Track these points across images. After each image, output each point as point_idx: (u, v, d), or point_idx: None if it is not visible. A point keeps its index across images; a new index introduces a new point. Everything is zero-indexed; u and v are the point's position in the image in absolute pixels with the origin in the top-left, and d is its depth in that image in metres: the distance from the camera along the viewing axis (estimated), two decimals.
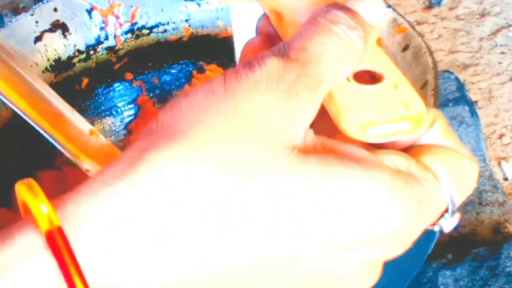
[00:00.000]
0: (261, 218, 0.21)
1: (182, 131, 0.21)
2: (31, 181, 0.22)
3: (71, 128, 0.54)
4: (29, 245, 0.21)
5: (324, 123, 0.24)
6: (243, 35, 0.31)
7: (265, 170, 0.21)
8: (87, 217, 0.21)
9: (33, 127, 0.52)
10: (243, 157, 0.21)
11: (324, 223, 0.22)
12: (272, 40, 0.28)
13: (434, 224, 0.25)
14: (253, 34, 0.29)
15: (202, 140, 0.21)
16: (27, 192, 0.22)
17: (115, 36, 0.62)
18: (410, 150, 0.25)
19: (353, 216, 0.22)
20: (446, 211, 0.25)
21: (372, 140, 0.23)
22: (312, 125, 0.24)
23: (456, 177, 0.24)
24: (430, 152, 0.25)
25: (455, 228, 0.25)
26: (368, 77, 0.25)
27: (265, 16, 0.28)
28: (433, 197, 0.24)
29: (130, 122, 0.66)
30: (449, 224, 0.25)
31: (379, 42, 0.56)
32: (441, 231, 0.25)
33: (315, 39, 0.23)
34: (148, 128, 0.22)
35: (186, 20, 0.64)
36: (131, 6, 0.61)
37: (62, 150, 0.53)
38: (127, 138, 0.66)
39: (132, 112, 0.67)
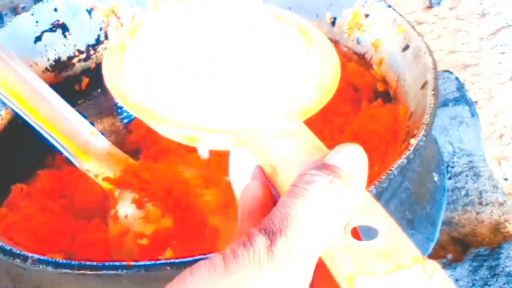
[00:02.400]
0: None
1: None
2: None
3: (71, 128, 0.54)
4: None
5: (327, 276, 0.25)
6: (239, 176, 0.34)
7: None
8: None
9: (33, 127, 0.52)
10: None
11: None
12: (267, 184, 0.29)
13: None
14: (248, 173, 0.31)
15: None
16: None
17: None
18: None
19: None
20: None
21: None
22: (315, 278, 0.25)
23: None
24: None
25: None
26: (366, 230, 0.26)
27: (258, 166, 0.29)
28: None
29: (130, 122, 0.66)
30: None
31: (378, 43, 0.56)
32: None
33: (294, 204, 0.24)
34: None
35: None
36: (132, 6, 0.61)
37: (62, 150, 0.53)
38: (127, 138, 0.66)
39: None
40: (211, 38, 0.35)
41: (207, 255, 0.26)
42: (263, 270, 0.23)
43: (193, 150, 0.63)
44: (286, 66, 0.34)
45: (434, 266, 0.26)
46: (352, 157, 0.26)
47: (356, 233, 0.25)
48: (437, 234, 0.52)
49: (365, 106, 0.57)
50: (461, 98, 0.71)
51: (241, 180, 0.33)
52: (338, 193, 0.25)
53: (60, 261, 0.39)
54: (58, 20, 0.60)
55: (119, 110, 0.66)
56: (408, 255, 0.24)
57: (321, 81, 0.34)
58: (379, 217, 0.26)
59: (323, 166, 0.25)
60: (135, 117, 0.66)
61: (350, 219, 0.25)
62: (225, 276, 0.23)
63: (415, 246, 0.25)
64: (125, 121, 0.66)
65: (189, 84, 0.33)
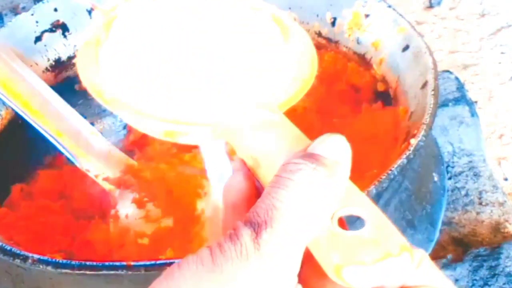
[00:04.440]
0: None
1: None
2: None
3: (71, 128, 0.54)
4: None
5: (315, 266, 0.25)
6: (215, 167, 0.33)
7: None
8: None
9: (33, 127, 0.52)
10: None
11: None
12: (250, 176, 0.29)
13: None
14: (224, 165, 0.30)
15: None
16: None
17: None
18: None
19: None
20: None
21: (356, 285, 0.24)
22: (303, 268, 0.25)
23: None
24: None
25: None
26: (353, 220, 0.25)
27: (240, 158, 0.29)
28: None
29: None
30: None
31: (378, 43, 0.56)
32: None
33: (278, 194, 0.24)
34: None
35: None
36: None
37: (62, 150, 0.53)
38: (127, 138, 0.66)
39: None
40: (188, 31, 0.35)
41: None
42: (250, 263, 0.23)
43: (188, 150, 0.63)
44: (263, 58, 0.34)
45: (422, 254, 0.26)
46: (335, 147, 0.25)
47: (342, 224, 0.25)
48: (437, 234, 0.52)
49: (365, 109, 0.57)
50: (461, 98, 0.71)
51: (217, 172, 0.33)
52: (323, 181, 0.24)
53: (60, 261, 0.39)
54: (58, 20, 0.60)
55: None
56: (396, 243, 0.24)
57: (298, 73, 0.34)
58: (365, 206, 0.25)
59: (306, 155, 0.25)
60: None
61: (336, 209, 0.25)
62: (212, 271, 0.23)
63: (402, 234, 0.25)
64: (122, 121, 0.66)
65: (166, 78, 0.32)
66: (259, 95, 0.32)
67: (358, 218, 0.25)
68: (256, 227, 0.23)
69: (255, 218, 0.24)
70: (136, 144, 0.65)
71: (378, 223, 0.25)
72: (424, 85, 0.49)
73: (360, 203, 0.26)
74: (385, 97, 0.56)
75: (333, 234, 0.24)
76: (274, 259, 0.23)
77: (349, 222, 0.26)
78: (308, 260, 0.25)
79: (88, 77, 0.33)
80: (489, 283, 0.56)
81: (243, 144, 0.29)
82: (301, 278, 0.25)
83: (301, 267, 0.24)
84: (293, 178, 0.24)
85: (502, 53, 0.82)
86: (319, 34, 0.60)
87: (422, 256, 0.26)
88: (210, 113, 0.31)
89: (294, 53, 0.35)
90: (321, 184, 0.24)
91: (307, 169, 0.24)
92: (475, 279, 0.56)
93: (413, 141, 0.44)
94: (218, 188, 0.33)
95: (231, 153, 0.32)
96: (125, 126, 0.66)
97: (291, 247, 0.24)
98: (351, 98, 0.60)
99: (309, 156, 0.25)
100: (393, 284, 0.26)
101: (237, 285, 0.23)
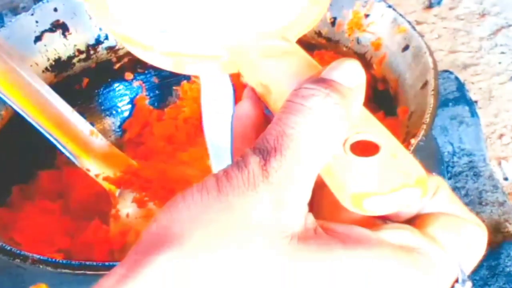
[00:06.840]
0: None
1: (181, 232, 0.22)
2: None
3: (71, 128, 0.54)
4: None
5: (327, 195, 0.24)
6: (214, 96, 0.33)
7: (266, 262, 0.22)
8: None
9: (33, 127, 0.52)
10: (242, 253, 0.22)
11: None
12: (259, 104, 0.28)
13: None
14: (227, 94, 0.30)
15: (201, 240, 0.22)
16: None
17: None
18: (415, 220, 0.25)
19: None
20: (456, 280, 0.24)
21: (372, 213, 0.23)
22: (315, 198, 0.24)
23: (464, 245, 0.24)
24: (436, 221, 0.25)
25: None
26: (368, 147, 0.24)
27: (249, 87, 0.28)
28: (440, 268, 0.24)
29: (124, 121, 0.66)
30: None
31: (378, 43, 0.56)
32: None
33: (290, 121, 0.23)
34: (148, 229, 0.23)
35: None
36: None
37: (62, 150, 0.53)
38: (122, 137, 0.66)
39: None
40: None
41: None
42: (258, 191, 0.22)
43: (183, 149, 0.63)
44: None
45: (439, 182, 0.25)
46: (349, 72, 0.24)
47: (356, 151, 0.24)
48: None
49: None
50: (461, 98, 0.71)
51: (213, 111, 0.32)
52: (336, 107, 0.23)
53: (60, 261, 0.39)
54: (58, 20, 0.60)
55: (119, 110, 0.66)
56: (412, 172, 0.23)
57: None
58: (379, 132, 0.24)
59: (319, 80, 0.24)
60: (129, 117, 0.66)
61: (349, 135, 0.24)
62: (218, 200, 0.22)
63: (418, 161, 0.24)
64: (122, 121, 0.66)
65: (174, 7, 0.31)
66: (270, 22, 0.31)
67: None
68: (265, 154, 0.22)
69: (264, 145, 0.23)
70: (131, 143, 0.65)
71: (394, 150, 0.24)
72: (424, 85, 0.49)
73: (375, 129, 0.24)
74: (385, 96, 0.56)
75: (347, 161, 0.23)
76: (283, 188, 0.22)
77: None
78: (320, 188, 0.24)
79: (96, 9, 0.32)
80: (489, 283, 0.56)
81: (252, 71, 0.28)
82: (312, 206, 0.24)
83: (312, 195, 0.23)
84: (306, 103, 0.23)
85: (502, 53, 0.82)
86: (319, 34, 0.60)
87: (438, 183, 0.25)
88: (218, 42, 0.30)
89: None
90: (334, 110, 0.23)
91: (320, 94, 0.23)
92: (475, 279, 0.56)
93: (413, 141, 0.44)
94: (214, 123, 0.33)
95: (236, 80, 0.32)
96: (121, 126, 0.66)
97: (301, 175, 0.23)
98: None
99: (322, 81, 0.24)
100: (409, 211, 0.25)
101: (244, 214, 0.22)
